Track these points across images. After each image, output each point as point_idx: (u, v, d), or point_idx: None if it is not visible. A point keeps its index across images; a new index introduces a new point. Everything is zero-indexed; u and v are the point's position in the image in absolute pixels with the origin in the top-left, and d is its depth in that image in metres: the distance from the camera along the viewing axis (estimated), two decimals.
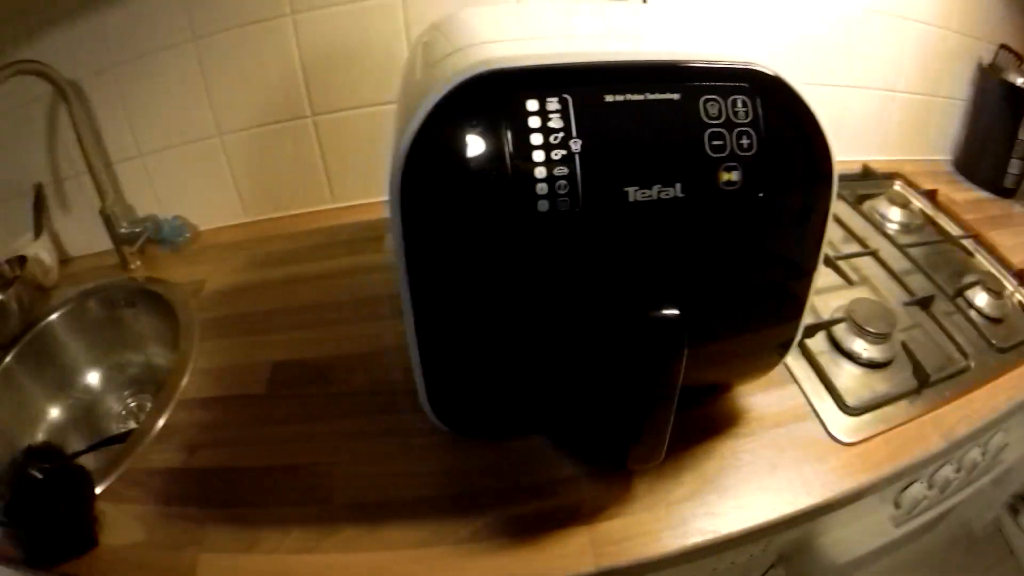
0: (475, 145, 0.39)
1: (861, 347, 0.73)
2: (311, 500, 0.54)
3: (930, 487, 0.77)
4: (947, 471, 0.77)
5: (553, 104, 0.40)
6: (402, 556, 0.50)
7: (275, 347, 0.70)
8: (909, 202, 1.02)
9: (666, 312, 0.44)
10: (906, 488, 0.74)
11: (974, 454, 0.79)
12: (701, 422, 0.62)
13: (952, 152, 1.20)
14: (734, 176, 0.43)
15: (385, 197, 0.41)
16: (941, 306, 0.82)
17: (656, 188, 0.42)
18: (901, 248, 0.90)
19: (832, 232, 0.90)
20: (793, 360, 0.71)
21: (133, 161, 0.85)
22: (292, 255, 0.84)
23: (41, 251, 0.83)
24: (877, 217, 1.00)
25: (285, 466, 0.57)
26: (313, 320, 0.73)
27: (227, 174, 0.87)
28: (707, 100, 0.42)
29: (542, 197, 0.40)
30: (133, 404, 0.86)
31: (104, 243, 0.86)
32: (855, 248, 0.90)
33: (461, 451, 0.58)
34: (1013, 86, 1.03)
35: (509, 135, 0.39)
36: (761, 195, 0.45)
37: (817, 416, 0.64)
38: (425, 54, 0.51)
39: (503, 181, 0.39)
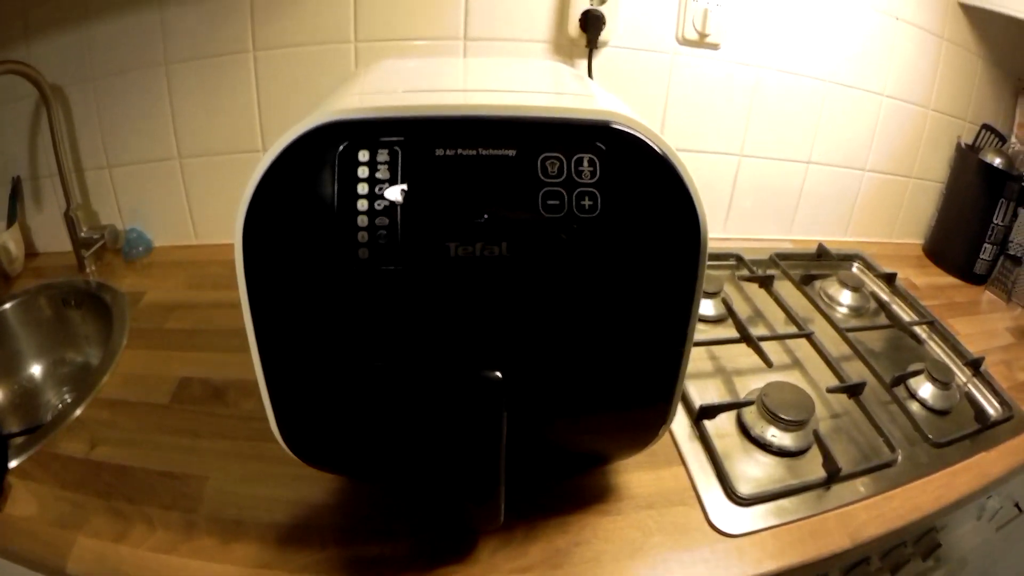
0: (309, 191, 0.39)
1: (771, 434, 0.68)
2: (179, 506, 0.56)
3: None
4: (865, 569, 0.69)
5: (383, 155, 0.39)
6: (244, 573, 0.51)
7: (187, 363, 0.73)
8: (862, 285, 0.97)
9: (486, 374, 0.41)
10: None
11: (900, 551, 0.72)
12: (567, 493, 0.59)
13: (923, 237, 1.14)
14: (570, 237, 0.41)
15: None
16: (876, 395, 0.77)
17: (479, 245, 0.40)
18: (841, 332, 0.85)
19: (772, 312, 0.87)
20: (686, 440, 0.67)
21: (102, 171, 0.88)
22: (225, 280, 0.87)
23: (9, 241, 0.87)
24: (824, 299, 0.95)
25: (164, 472, 0.60)
26: (226, 344, 0.76)
27: (182, 195, 0.90)
28: (546, 158, 0.41)
29: (362, 245, 0.39)
30: (68, 399, 0.87)
31: (66, 244, 0.88)
32: (790, 330, 0.85)
33: (320, 486, 0.58)
34: (991, 167, 0.97)
35: (339, 183, 0.39)
36: (601, 261, 0.42)
37: (699, 502, 0.60)
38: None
39: (328, 227, 0.39)
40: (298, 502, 0.57)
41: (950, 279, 1.05)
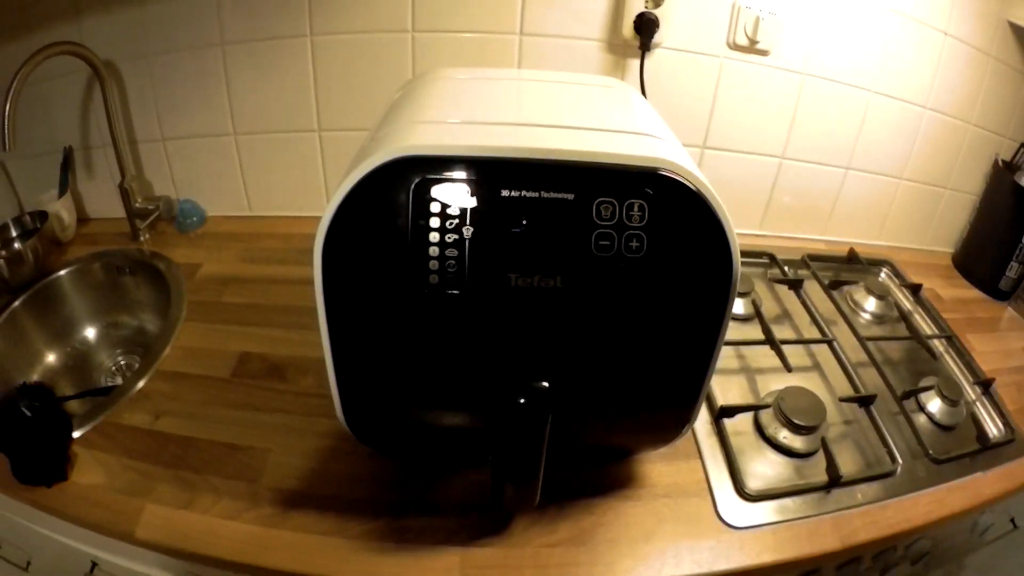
0: (384, 221, 0.46)
1: (784, 436, 0.76)
2: (242, 477, 0.64)
3: None
4: (855, 568, 0.78)
5: (453, 193, 0.46)
6: (306, 540, 0.59)
7: (246, 339, 0.81)
8: (888, 293, 1.03)
9: (537, 384, 0.49)
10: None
11: (890, 554, 0.80)
12: (594, 480, 0.67)
13: (954, 246, 1.19)
14: (618, 275, 0.48)
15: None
16: (887, 405, 0.84)
17: (536, 277, 0.47)
18: (862, 340, 0.91)
19: (798, 314, 0.94)
20: (705, 436, 0.75)
21: (156, 144, 0.95)
22: (280, 255, 0.95)
23: (62, 209, 0.94)
24: (849, 305, 1.01)
25: (228, 444, 0.67)
26: (283, 320, 0.83)
27: (237, 170, 0.97)
28: (601, 203, 0.47)
29: (433, 272, 0.47)
30: (122, 362, 0.96)
31: (120, 211, 0.96)
32: (814, 334, 0.92)
33: (375, 463, 0.66)
34: (1021, 187, 1.01)
35: (412, 215, 0.46)
36: (644, 294, 0.49)
37: (711, 494, 0.69)
38: (388, 113, 0.57)
39: (402, 253, 0.46)
40: (352, 476, 0.65)
41: (975, 292, 1.11)
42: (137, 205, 0.94)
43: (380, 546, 0.59)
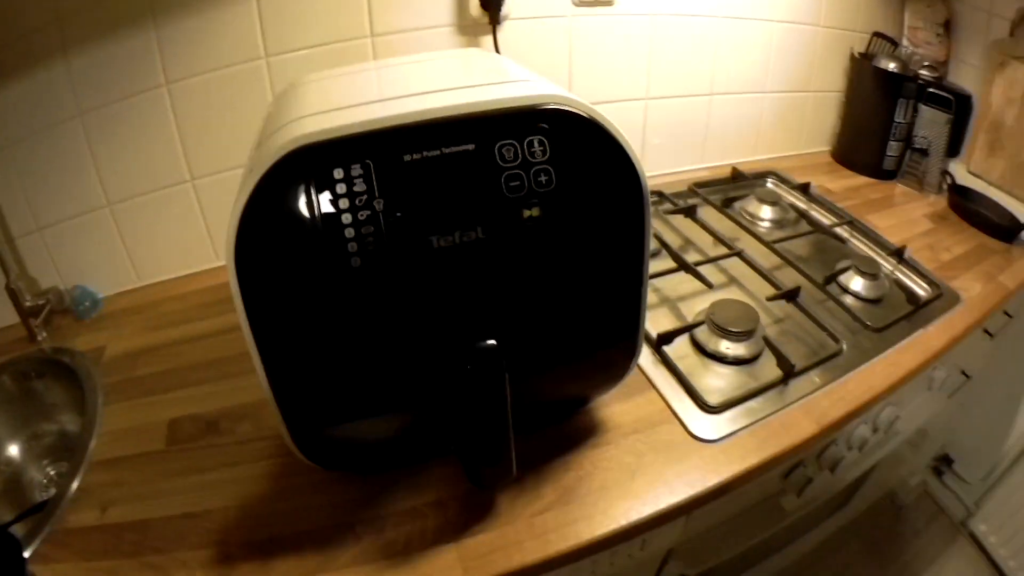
0: (293, 213, 0.45)
1: (725, 347, 0.79)
2: (209, 543, 0.60)
3: (819, 468, 0.82)
4: (834, 451, 0.82)
5: (356, 170, 0.45)
6: None
7: (171, 405, 0.76)
8: (780, 199, 1.09)
9: (484, 343, 0.49)
10: (790, 472, 0.79)
11: (862, 431, 0.85)
12: (559, 438, 0.68)
13: (830, 144, 1.28)
14: (534, 212, 0.49)
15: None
16: (812, 296, 0.89)
17: (457, 233, 0.47)
18: (768, 245, 0.97)
19: (700, 238, 0.98)
20: (652, 367, 0.77)
21: (32, 236, 0.89)
22: (181, 316, 0.91)
23: None
24: (746, 218, 1.07)
25: (185, 514, 0.63)
26: (202, 376, 0.80)
27: (118, 241, 0.92)
28: (502, 146, 0.48)
29: (353, 254, 0.46)
30: (53, 472, 0.88)
31: (12, 316, 0.88)
32: (721, 251, 0.96)
33: (338, 486, 0.64)
34: (887, 72, 1.10)
35: (320, 202, 0.45)
36: (564, 226, 0.50)
37: (677, 418, 0.70)
38: (264, 127, 0.56)
39: (319, 243, 0.45)
40: (322, 506, 0.62)
41: (862, 179, 1.19)
42: (27, 304, 0.88)
43: (373, 568, 0.56)
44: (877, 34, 1.15)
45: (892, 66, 1.10)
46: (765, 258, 0.94)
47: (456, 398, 0.51)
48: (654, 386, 0.74)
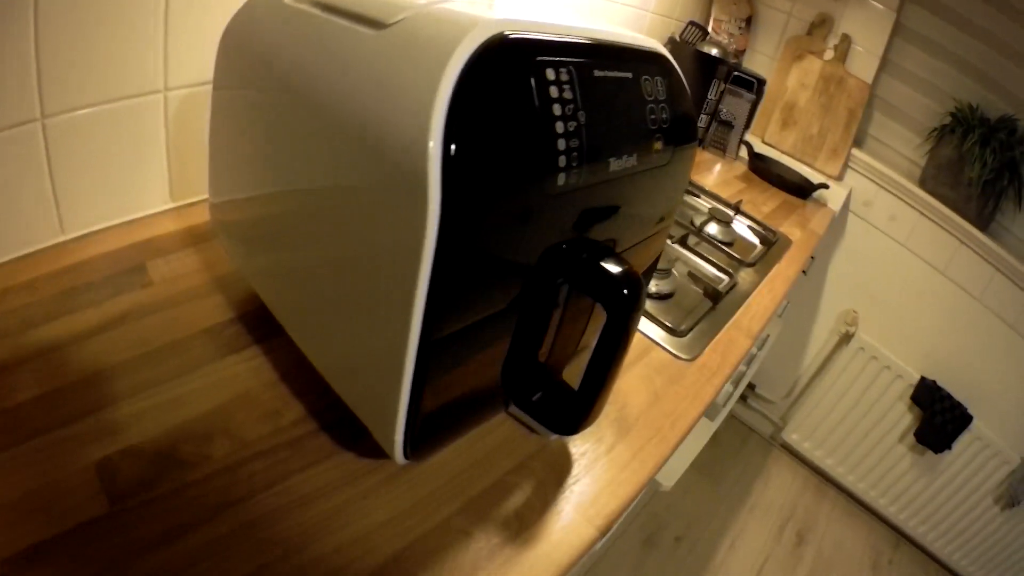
0: (508, 112, 0.38)
1: (652, 283, 0.91)
2: None
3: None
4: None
5: (564, 74, 0.41)
6: None
7: (85, 441, 0.51)
8: None
9: (636, 273, 0.50)
10: None
11: (751, 349, 1.06)
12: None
13: None
14: (659, 146, 0.52)
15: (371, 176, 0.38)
16: (691, 239, 1.08)
17: (624, 158, 0.48)
18: None
19: None
20: None
21: None
22: (40, 312, 0.64)
23: None
24: None
25: None
26: (115, 390, 0.56)
27: None
28: (645, 79, 0.50)
29: (562, 170, 0.42)
30: None
31: None
32: None
33: (395, 492, 0.53)
34: (707, 55, 1.35)
35: (535, 104, 0.39)
36: (672, 158, 0.54)
37: (659, 345, 0.80)
38: (343, 10, 0.46)
39: (531, 152, 0.39)
40: (395, 519, 0.50)
41: None
42: None
43: (506, 556, 0.50)
44: (692, 23, 1.40)
45: (714, 51, 1.35)
46: None
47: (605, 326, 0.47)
48: None
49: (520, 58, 0.39)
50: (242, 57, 0.55)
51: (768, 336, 1.17)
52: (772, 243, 1.15)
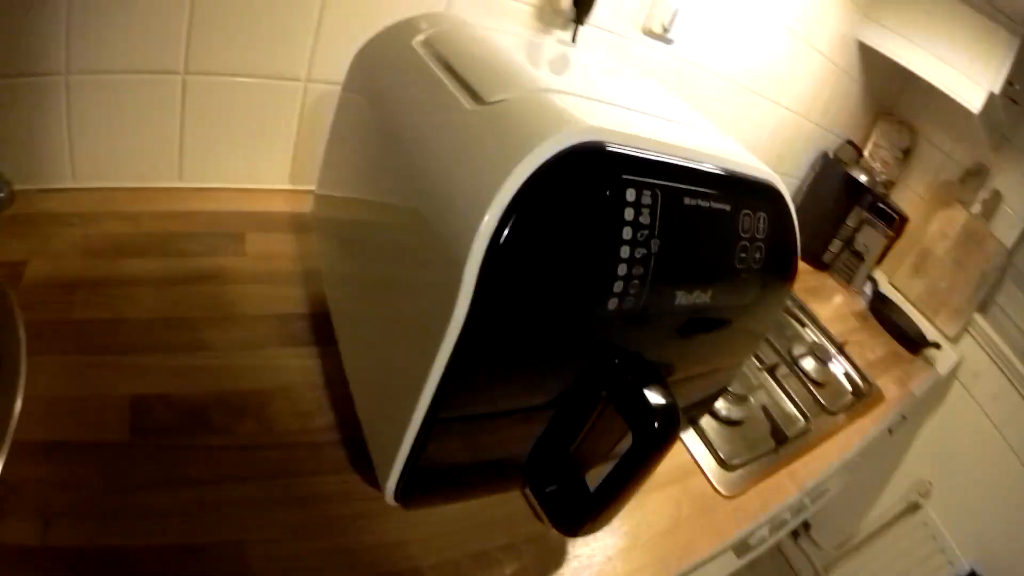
0: (571, 225, 0.37)
1: (722, 406, 0.85)
2: None
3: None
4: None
5: (647, 197, 0.39)
6: None
7: (130, 374, 0.55)
8: None
9: (671, 401, 0.46)
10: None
11: (803, 500, 0.97)
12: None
13: None
14: (746, 286, 0.48)
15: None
16: (781, 369, 1.00)
17: (696, 293, 0.44)
18: None
19: None
20: None
21: None
22: (134, 243, 0.69)
23: None
24: None
25: (178, 546, 0.45)
26: (171, 340, 0.59)
27: (62, 121, 0.68)
28: (744, 214, 0.46)
29: (615, 295, 0.39)
30: None
31: None
32: None
33: (386, 525, 0.52)
34: (854, 179, 1.27)
35: (602, 223, 0.38)
36: (750, 303, 0.50)
37: (703, 472, 0.74)
38: (456, 73, 0.46)
39: (586, 268, 0.38)
40: (378, 546, 0.50)
41: (802, 264, 1.37)
42: None
43: None
44: (849, 141, 1.32)
45: (863, 178, 1.27)
46: None
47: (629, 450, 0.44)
48: (680, 438, 0.77)
49: (598, 172, 0.38)
50: (364, 80, 0.58)
51: (829, 490, 1.07)
52: (863, 396, 1.05)
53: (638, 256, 0.39)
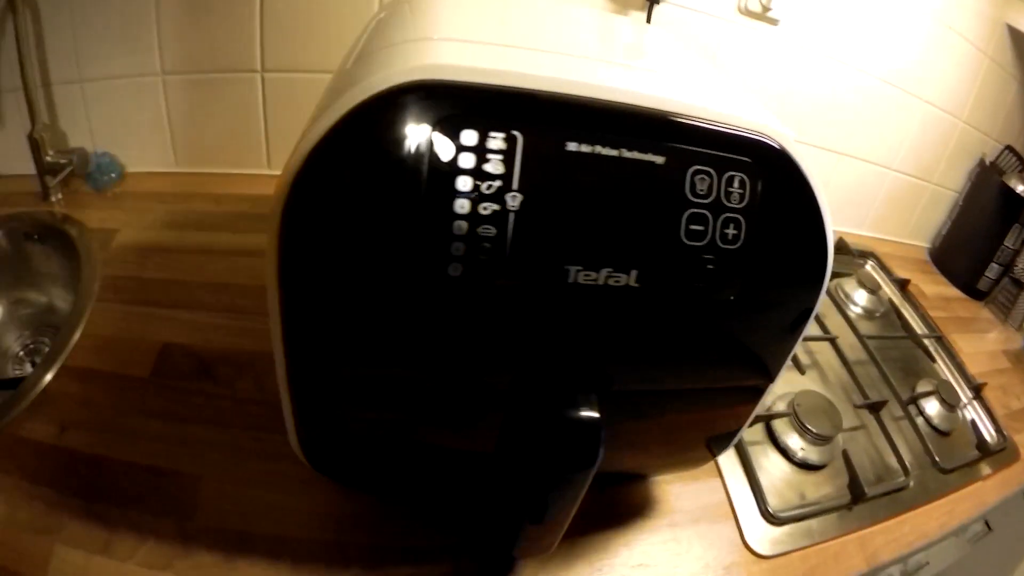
0: (382, 178, 0.27)
1: (798, 445, 0.64)
2: (172, 512, 0.46)
3: None
4: None
5: (497, 141, 0.28)
6: None
7: (169, 325, 0.60)
8: (879, 288, 0.92)
9: (585, 414, 0.33)
10: None
11: (891, 570, 0.70)
12: (607, 506, 0.52)
13: (930, 241, 1.11)
14: (711, 273, 0.32)
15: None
16: (891, 410, 0.73)
17: (605, 272, 0.30)
18: (861, 338, 0.80)
19: None
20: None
21: (72, 86, 0.71)
22: (212, 220, 0.73)
23: None
24: (841, 296, 0.90)
25: (150, 467, 0.48)
26: (212, 301, 0.63)
27: (164, 116, 0.74)
28: (697, 172, 0.31)
29: (457, 259, 0.28)
30: (31, 344, 0.74)
31: (31, 166, 0.71)
32: (816, 331, 0.79)
33: (340, 496, 0.48)
34: (1012, 191, 0.92)
35: (430, 172, 0.27)
36: (733, 299, 0.33)
37: (736, 520, 0.55)
38: (373, 36, 0.38)
39: (412, 229, 0.28)
40: (312, 512, 0.47)
41: (954, 291, 1.02)
42: (48, 159, 0.70)
43: None
44: (1009, 148, 0.97)
45: (1022, 189, 0.92)
46: (853, 351, 0.77)
47: (530, 464, 0.34)
48: (720, 474, 0.59)
49: (419, 111, 0.27)
50: None
51: (928, 563, 0.76)
52: (992, 452, 0.73)
53: (484, 212, 0.28)
